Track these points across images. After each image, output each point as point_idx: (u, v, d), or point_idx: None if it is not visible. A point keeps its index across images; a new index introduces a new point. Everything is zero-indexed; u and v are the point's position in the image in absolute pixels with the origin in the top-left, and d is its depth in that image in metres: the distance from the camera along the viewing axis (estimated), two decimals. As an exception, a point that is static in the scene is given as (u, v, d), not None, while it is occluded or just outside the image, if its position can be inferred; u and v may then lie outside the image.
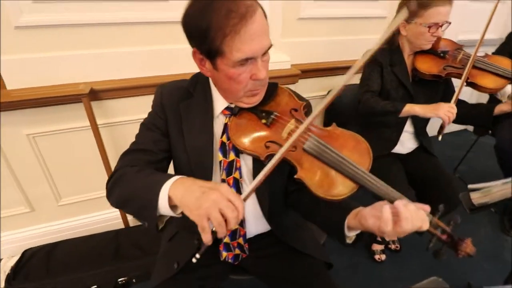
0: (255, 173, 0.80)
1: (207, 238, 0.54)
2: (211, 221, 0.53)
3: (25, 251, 1.44)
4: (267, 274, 0.93)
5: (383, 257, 1.61)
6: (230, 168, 0.79)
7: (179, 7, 0.64)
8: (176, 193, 0.58)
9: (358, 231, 0.70)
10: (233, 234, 0.86)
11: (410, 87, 1.35)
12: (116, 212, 1.67)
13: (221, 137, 0.78)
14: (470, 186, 1.08)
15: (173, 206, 0.61)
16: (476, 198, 0.94)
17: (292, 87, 1.74)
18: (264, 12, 0.65)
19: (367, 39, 1.52)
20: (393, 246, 1.68)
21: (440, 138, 1.24)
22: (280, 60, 1.58)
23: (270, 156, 0.67)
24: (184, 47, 0.70)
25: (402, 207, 0.55)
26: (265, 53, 0.66)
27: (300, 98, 0.79)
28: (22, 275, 1.32)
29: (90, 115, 1.33)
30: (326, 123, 1.87)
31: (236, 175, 0.80)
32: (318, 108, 0.62)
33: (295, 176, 0.66)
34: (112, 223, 1.68)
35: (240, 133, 0.74)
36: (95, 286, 1.37)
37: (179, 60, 1.43)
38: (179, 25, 0.66)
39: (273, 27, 1.53)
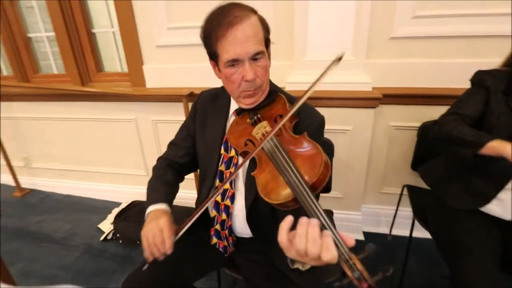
0: (249, 171, 0.85)
1: (146, 254, 0.75)
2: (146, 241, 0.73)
3: (133, 201, 2.02)
4: (250, 280, 0.93)
5: None
6: (229, 162, 0.88)
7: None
8: (147, 215, 0.84)
9: None
10: (222, 224, 0.93)
11: None
12: (193, 194, 2.02)
13: (227, 134, 0.89)
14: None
15: None
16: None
17: (372, 112, 1.56)
18: (263, 23, 0.75)
19: (481, 62, 1.16)
20: None
21: None
22: (358, 81, 1.48)
23: (244, 153, 0.75)
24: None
25: (303, 223, 0.48)
26: (257, 58, 0.74)
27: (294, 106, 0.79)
28: (124, 216, 1.86)
29: (186, 112, 1.74)
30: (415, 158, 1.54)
31: (232, 170, 0.88)
32: (280, 122, 0.66)
33: (252, 173, 0.69)
34: (189, 201, 2.05)
35: (233, 130, 0.84)
36: (161, 244, 1.73)
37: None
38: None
39: (357, 46, 1.46)
